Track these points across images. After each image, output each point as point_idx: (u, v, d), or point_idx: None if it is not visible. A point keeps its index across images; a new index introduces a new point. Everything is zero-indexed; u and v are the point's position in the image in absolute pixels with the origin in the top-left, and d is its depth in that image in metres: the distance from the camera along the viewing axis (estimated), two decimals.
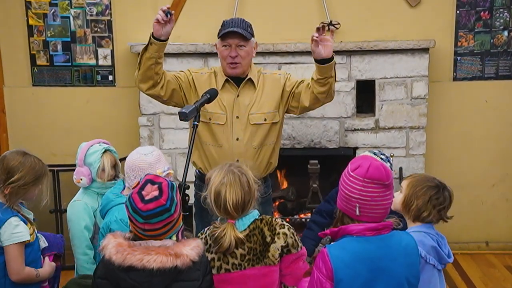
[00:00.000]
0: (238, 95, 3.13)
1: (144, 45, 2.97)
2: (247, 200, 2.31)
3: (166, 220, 2.07)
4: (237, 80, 3.16)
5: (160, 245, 2.06)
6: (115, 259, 2.02)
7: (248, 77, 3.15)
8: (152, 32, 2.94)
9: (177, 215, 2.11)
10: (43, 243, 2.84)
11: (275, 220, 2.38)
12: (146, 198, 2.06)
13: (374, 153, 2.96)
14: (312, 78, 3.06)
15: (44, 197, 2.79)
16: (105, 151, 3.08)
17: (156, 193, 2.06)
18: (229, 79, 3.14)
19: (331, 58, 2.93)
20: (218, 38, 3.07)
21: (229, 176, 2.30)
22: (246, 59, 3.09)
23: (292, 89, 3.16)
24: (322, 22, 4.53)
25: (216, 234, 2.30)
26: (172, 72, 3.20)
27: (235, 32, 3.01)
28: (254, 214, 2.37)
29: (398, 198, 2.57)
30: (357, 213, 2.08)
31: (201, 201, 2.41)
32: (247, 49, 3.07)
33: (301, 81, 3.17)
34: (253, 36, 3.12)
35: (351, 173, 2.10)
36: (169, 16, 2.91)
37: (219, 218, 2.37)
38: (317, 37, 2.87)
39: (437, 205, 2.52)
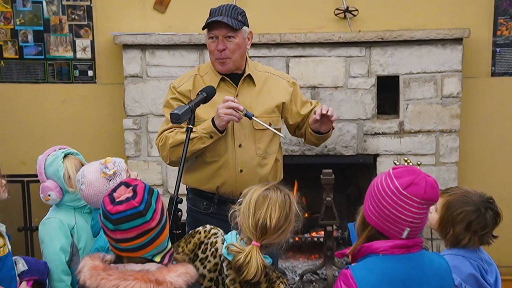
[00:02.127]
0: (237, 95, 3.14)
1: (191, 135, 2.85)
2: (282, 226, 2.33)
3: (140, 227, 2.03)
4: (234, 77, 3.17)
5: (140, 269, 2.03)
6: (88, 284, 2.00)
7: (246, 73, 3.17)
8: (214, 124, 2.99)
9: (155, 224, 2.06)
10: (22, 266, 2.83)
11: (276, 275, 2.42)
12: (117, 200, 2.05)
13: (407, 163, 2.97)
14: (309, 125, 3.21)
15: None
16: (65, 156, 3.08)
17: (129, 194, 2.06)
18: (225, 77, 3.15)
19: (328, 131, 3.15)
20: (203, 29, 3.10)
21: (274, 191, 2.36)
22: (236, 53, 3.09)
23: (306, 114, 3.26)
24: (337, 8, 4.57)
25: (239, 260, 2.30)
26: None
27: (221, 22, 3.01)
28: (268, 261, 2.38)
29: (433, 217, 2.59)
30: (404, 236, 2.08)
31: (229, 217, 2.43)
32: (237, 40, 3.07)
33: (313, 108, 3.26)
34: (246, 25, 3.13)
35: (404, 192, 2.08)
36: (243, 113, 2.97)
37: (237, 237, 2.39)
38: (319, 116, 3.03)
39: (478, 230, 2.52)
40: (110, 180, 2.76)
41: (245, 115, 2.96)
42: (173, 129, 3.11)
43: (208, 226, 2.50)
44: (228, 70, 3.14)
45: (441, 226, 2.57)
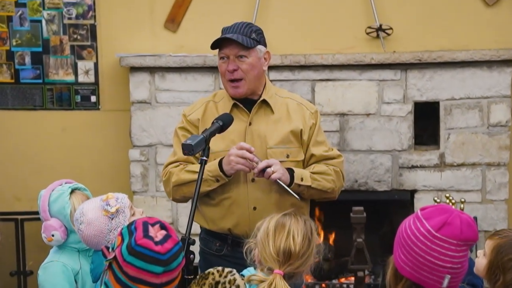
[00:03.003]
0: (250, 123, 3.11)
1: (194, 180, 2.95)
2: (306, 252, 2.34)
3: (181, 264, 2.15)
4: (249, 103, 3.13)
5: None
6: None
7: (261, 98, 3.13)
8: (222, 168, 3.00)
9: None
10: None
11: None
12: (157, 239, 2.10)
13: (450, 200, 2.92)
14: None
15: None
16: (72, 191, 3.03)
17: (163, 232, 2.13)
18: (237, 102, 3.12)
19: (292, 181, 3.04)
20: (212, 48, 3.09)
21: (294, 216, 2.40)
22: (250, 74, 3.06)
23: (314, 156, 3.18)
24: (368, 27, 4.53)
25: None
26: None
27: (230, 40, 3.00)
28: None
29: (481, 262, 2.54)
30: (445, 285, 2.03)
31: (244, 253, 2.45)
32: (250, 60, 3.05)
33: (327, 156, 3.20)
34: (262, 44, 3.12)
35: (438, 235, 2.03)
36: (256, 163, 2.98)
37: (256, 272, 2.39)
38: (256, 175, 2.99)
39: None
40: (112, 219, 2.73)
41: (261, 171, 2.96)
42: (178, 163, 3.14)
43: (220, 267, 2.52)
44: (242, 95, 3.09)
45: (489, 273, 2.50)
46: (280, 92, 3.25)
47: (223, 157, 3.00)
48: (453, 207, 2.94)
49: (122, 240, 2.15)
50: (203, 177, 2.92)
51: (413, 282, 2.08)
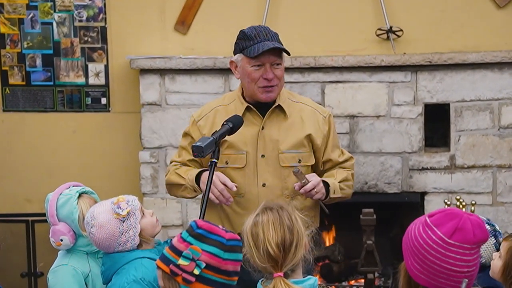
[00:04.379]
0: (263, 127, 3.11)
1: (179, 183, 3.15)
2: (292, 240, 2.30)
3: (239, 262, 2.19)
4: (262, 107, 3.13)
5: None
6: None
7: (276, 104, 3.14)
8: (198, 181, 3.08)
9: None
10: None
11: None
12: (222, 228, 2.18)
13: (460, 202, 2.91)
14: None
15: None
16: (80, 195, 3.03)
17: (219, 225, 2.23)
18: (250, 105, 3.12)
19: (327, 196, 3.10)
20: (246, 56, 3.04)
21: (264, 213, 2.35)
22: (282, 80, 3.12)
23: (330, 160, 3.21)
24: (379, 29, 4.52)
25: None
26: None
27: (273, 48, 3.01)
28: (311, 281, 2.35)
29: (497, 264, 2.54)
30: None
31: (243, 263, 2.43)
32: (282, 67, 3.10)
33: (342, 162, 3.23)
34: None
35: (452, 242, 2.00)
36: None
37: (261, 281, 2.36)
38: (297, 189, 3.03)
39: None
40: (123, 221, 2.74)
41: None
42: (178, 163, 3.22)
43: None
44: (273, 99, 3.11)
45: (504, 274, 2.52)
46: (291, 95, 3.26)
47: (204, 170, 3.05)
48: (463, 209, 2.95)
49: (199, 246, 2.14)
50: (185, 184, 3.08)
51: None
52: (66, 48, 4.82)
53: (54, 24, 4.81)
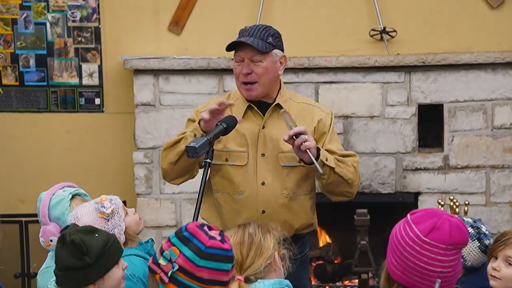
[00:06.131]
0: (263, 126, 3.11)
1: (177, 140, 3.06)
2: (251, 245, 2.36)
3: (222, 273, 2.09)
4: (263, 106, 3.13)
5: None
6: None
7: (275, 102, 3.13)
8: (201, 129, 3.00)
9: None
10: None
11: None
12: (219, 238, 2.10)
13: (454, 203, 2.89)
14: None
15: None
16: (73, 197, 3.01)
17: (216, 231, 2.13)
18: (252, 105, 3.12)
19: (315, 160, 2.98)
20: (227, 50, 3.09)
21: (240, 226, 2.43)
22: (264, 78, 3.05)
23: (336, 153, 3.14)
24: (372, 29, 4.54)
25: None
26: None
27: (245, 43, 3.00)
28: (281, 283, 2.34)
29: (507, 272, 2.57)
30: None
31: None
32: (265, 64, 3.04)
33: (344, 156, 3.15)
34: (278, 48, 3.11)
35: (427, 240, 2.01)
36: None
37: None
38: (285, 140, 2.95)
39: None
40: (108, 220, 2.75)
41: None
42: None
43: None
44: (255, 97, 3.09)
45: None
46: (294, 97, 3.25)
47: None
48: (457, 209, 2.95)
49: (178, 249, 2.12)
50: (182, 136, 3.02)
51: (404, 287, 2.07)
52: (59, 48, 4.82)
53: (48, 25, 4.81)
